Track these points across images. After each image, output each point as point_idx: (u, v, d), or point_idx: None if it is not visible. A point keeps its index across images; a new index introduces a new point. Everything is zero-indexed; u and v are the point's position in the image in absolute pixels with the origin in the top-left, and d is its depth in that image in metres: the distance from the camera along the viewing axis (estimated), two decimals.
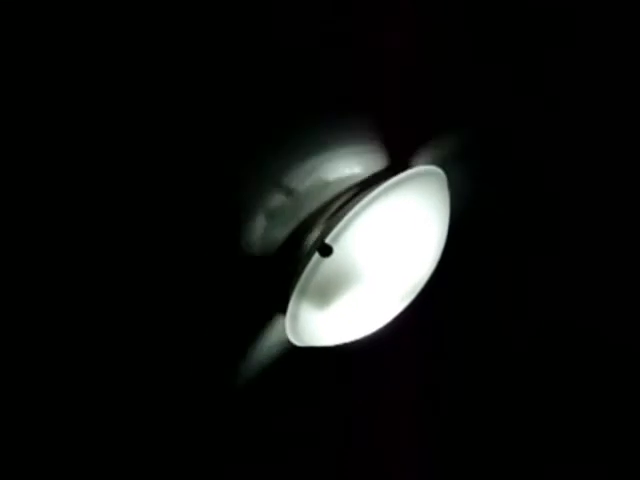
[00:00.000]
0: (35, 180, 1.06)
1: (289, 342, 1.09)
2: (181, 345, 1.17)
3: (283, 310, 1.04)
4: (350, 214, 0.98)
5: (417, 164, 1.06)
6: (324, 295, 1.01)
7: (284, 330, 1.07)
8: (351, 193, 1.02)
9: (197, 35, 1.04)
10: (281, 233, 1.04)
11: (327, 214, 1.01)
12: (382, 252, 1.01)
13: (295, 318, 1.03)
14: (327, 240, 0.98)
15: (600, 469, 1.43)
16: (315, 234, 1.01)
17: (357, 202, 0.98)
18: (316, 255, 0.98)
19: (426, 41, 1.21)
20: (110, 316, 1.09)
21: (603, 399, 1.42)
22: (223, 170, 1.08)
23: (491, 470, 1.47)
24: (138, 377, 1.20)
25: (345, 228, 0.97)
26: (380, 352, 1.26)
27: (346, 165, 1.03)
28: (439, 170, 1.06)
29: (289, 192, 1.03)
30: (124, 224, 1.06)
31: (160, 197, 1.05)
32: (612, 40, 1.19)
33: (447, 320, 1.36)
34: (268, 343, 1.16)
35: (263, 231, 1.04)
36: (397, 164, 1.07)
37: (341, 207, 1.00)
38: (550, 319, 1.38)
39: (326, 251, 0.98)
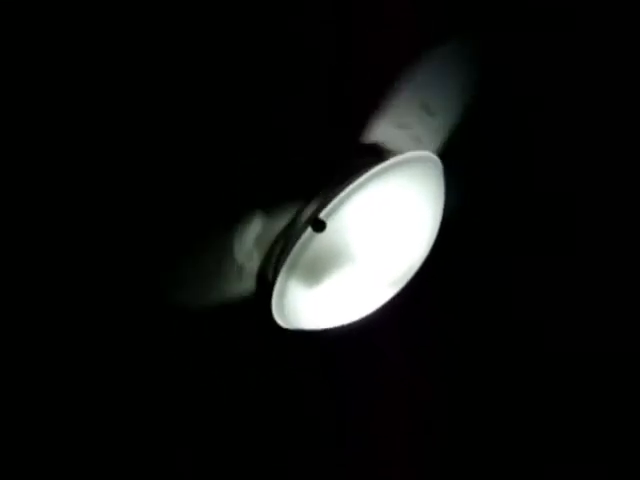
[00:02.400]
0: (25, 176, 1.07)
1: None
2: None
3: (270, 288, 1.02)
4: (346, 190, 0.96)
5: (415, 149, 1.05)
6: (314, 273, 1.00)
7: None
8: (348, 171, 1.00)
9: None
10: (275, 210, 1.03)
11: (323, 189, 1.00)
12: (375, 233, 1.00)
13: (282, 295, 1.01)
14: (321, 215, 0.96)
15: (600, 469, 1.41)
16: (309, 209, 0.99)
17: (354, 179, 0.97)
18: (309, 230, 0.97)
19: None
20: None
21: (602, 399, 1.41)
22: (220, 148, 1.09)
23: (489, 465, 1.45)
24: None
25: (340, 204, 0.96)
26: (367, 340, 1.24)
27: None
28: (436, 158, 1.05)
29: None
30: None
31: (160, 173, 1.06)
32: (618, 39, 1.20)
33: (437, 310, 1.35)
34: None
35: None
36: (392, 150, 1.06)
37: (337, 184, 0.99)
38: (549, 318, 1.37)
39: (319, 226, 0.97)
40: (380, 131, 1.06)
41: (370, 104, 1.06)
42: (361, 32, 1.29)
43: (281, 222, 1.01)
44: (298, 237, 0.97)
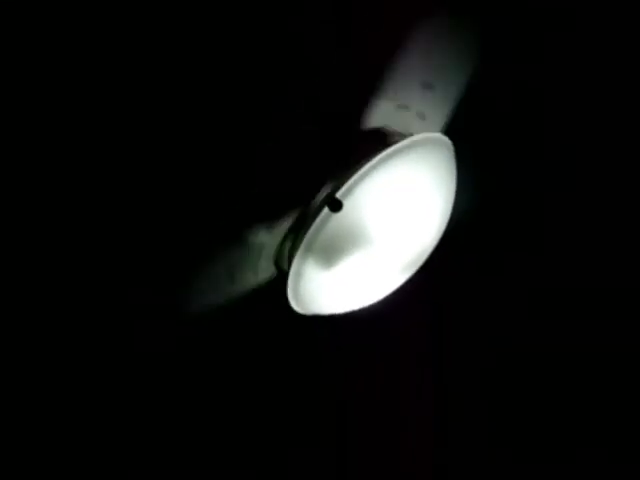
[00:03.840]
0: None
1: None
2: None
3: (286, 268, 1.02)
4: (363, 170, 0.97)
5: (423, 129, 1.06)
6: (330, 254, 1.00)
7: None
8: (364, 152, 1.01)
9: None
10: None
11: (338, 170, 1.00)
12: (390, 213, 1.01)
13: (298, 276, 1.01)
14: (338, 195, 0.96)
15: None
16: (326, 189, 0.99)
17: (370, 160, 0.98)
18: (325, 209, 0.96)
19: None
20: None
21: (600, 397, 1.42)
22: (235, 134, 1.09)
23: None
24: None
25: (357, 184, 0.97)
26: (379, 325, 1.24)
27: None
28: (448, 140, 1.06)
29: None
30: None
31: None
32: (603, 39, 1.24)
33: (448, 299, 1.35)
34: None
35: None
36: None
37: (353, 164, 0.99)
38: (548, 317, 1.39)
39: (336, 206, 0.97)
40: (382, 113, 1.06)
41: (370, 87, 1.07)
42: (361, 32, 1.31)
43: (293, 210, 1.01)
44: (315, 217, 0.97)
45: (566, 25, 1.28)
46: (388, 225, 1.01)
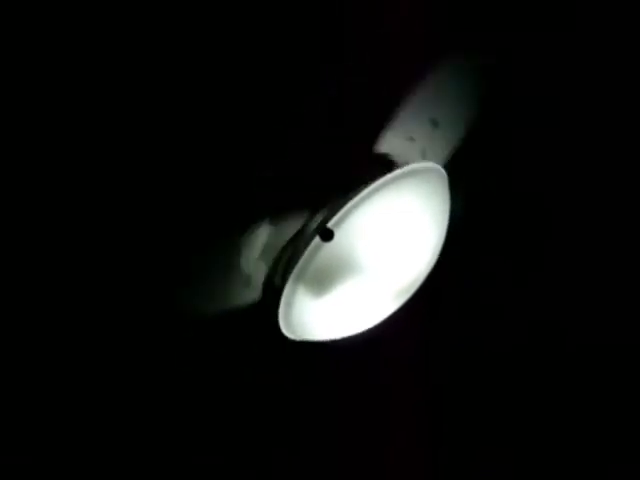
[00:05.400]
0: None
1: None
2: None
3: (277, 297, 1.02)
4: (354, 200, 0.97)
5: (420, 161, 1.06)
6: (321, 282, 1.00)
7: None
8: (356, 181, 1.01)
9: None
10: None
11: (331, 199, 1.00)
12: (382, 243, 1.01)
13: (290, 305, 1.01)
14: (329, 224, 0.96)
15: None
16: (317, 219, 0.99)
17: (362, 189, 0.98)
18: (316, 239, 0.96)
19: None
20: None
21: (599, 401, 1.42)
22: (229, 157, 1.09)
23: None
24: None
25: (348, 214, 0.97)
26: (372, 351, 1.24)
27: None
28: (441, 169, 1.06)
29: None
30: None
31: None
32: (608, 41, 1.23)
33: (443, 319, 1.36)
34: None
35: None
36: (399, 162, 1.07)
37: (345, 193, 0.99)
38: (545, 320, 1.38)
39: (327, 235, 0.97)
40: (388, 143, 1.06)
41: (379, 117, 1.07)
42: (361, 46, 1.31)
43: (288, 231, 1.01)
44: (306, 246, 0.97)
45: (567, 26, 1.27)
46: (380, 254, 1.01)
